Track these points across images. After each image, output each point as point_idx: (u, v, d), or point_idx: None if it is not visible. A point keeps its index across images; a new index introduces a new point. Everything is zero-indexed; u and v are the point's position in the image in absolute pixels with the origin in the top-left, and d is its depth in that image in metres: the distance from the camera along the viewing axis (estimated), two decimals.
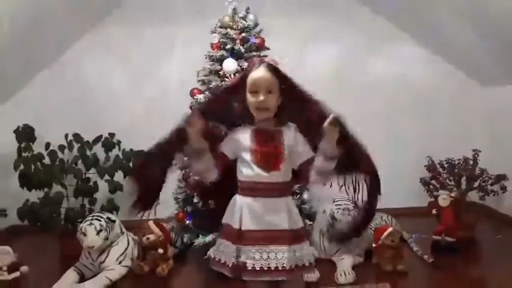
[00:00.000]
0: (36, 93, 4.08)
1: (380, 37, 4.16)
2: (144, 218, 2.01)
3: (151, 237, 3.04)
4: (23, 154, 3.47)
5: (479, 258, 3.21)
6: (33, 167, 3.39)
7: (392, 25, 4.14)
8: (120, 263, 3.01)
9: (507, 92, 3.75)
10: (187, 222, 2.92)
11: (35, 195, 3.41)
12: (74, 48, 4.12)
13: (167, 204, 3.15)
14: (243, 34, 3.02)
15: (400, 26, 4.13)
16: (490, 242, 3.38)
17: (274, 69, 1.68)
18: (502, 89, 3.83)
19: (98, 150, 3.71)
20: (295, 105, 1.73)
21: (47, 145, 3.59)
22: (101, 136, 3.74)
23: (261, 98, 1.63)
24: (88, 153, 3.65)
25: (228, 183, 1.76)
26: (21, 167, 3.37)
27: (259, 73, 1.66)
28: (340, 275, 2.75)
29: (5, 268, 2.76)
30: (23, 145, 3.50)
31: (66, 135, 3.66)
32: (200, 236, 2.85)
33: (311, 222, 3.09)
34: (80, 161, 3.62)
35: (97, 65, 4.15)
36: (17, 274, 2.77)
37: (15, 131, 3.53)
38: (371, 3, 4.10)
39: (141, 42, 4.15)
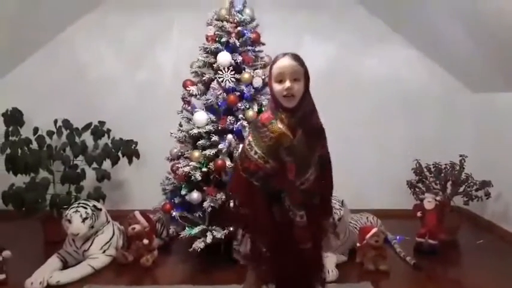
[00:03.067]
0: (26, 76, 4.03)
1: (373, 37, 4.17)
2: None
3: (137, 227, 3.04)
4: (11, 138, 3.43)
5: (459, 262, 3.26)
6: (20, 151, 3.35)
7: (386, 25, 4.15)
8: (104, 252, 3.00)
9: (497, 99, 3.80)
10: (174, 213, 2.91)
11: (20, 180, 3.38)
12: (68, 32, 4.07)
13: (154, 195, 3.16)
14: (239, 28, 3.01)
15: (394, 27, 4.14)
16: (471, 246, 3.43)
17: (299, 58, 1.72)
18: (491, 95, 3.87)
19: (87, 137, 3.68)
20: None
21: (35, 130, 3.55)
22: (90, 124, 3.72)
23: (288, 84, 1.65)
24: (77, 140, 3.63)
25: None
26: (8, 150, 3.33)
27: (284, 61, 1.69)
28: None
29: None
30: (10, 129, 3.46)
31: (56, 121, 3.63)
32: (186, 228, 2.85)
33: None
34: (68, 148, 3.59)
35: (91, 50, 4.11)
36: None
37: (3, 114, 3.50)
38: (367, 2, 4.11)
39: (137, 29, 4.12)
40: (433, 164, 3.65)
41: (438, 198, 3.38)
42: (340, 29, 4.16)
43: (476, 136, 4.07)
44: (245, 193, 1.76)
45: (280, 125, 1.67)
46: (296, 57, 1.71)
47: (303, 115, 1.70)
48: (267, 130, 1.69)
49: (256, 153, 1.68)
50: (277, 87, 1.68)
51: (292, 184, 1.64)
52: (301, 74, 1.69)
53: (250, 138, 1.77)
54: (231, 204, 1.85)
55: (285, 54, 1.72)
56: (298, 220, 1.64)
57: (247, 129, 2.81)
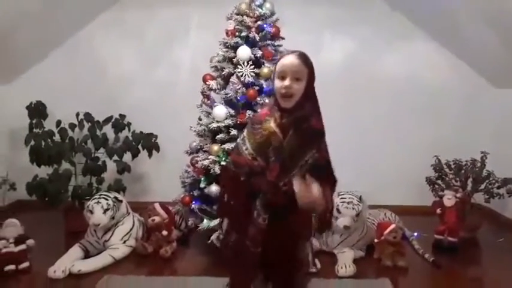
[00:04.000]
0: (49, 70, 4.12)
1: (395, 32, 4.11)
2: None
3: (157, 219, 3.09)
4: (34, 130, 3.52)
5: (479, 259, 3.22)
6: (43, 143, 3.44)
7: (408, 21, 4.08)
8: (124, 242, 3.07)
9: None
10: (193, 206, 2.95)
11: (44, 171, 3.47)
12: (89, 27, 4.14)
13: (174, 188, 3.20)
14: (259, 22, 3.01)
15: (416, 23, 4.08)
16: (492, 244, 3.38)
17: (304, 58, 1.65)
18: None
19: (108, 130, 3.75)
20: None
21: (58, 123, 3.63)
22: (111, 117, 3.78)
23: (287, 83, 1.59)
24: (98, 133, 3.69)
25: None
26: (32, 142, 3.42)
27: (288, 59, 1.63)
28: (341, 267, 2.78)
29: (12, 240, 2.80)
30: (34, 121, 3.55)
31: (78, 114, 3.70)
32: (205, 220, 2.88)
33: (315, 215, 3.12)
34: (89, 140, 3.66)
35: (111, 45, 4.17)
36: (23, 247, 2.82)
37: (27, 107, 3.58)
38: None
39: (156, 24, 4.16)
40: (453, 161, 3.60)
41: (458, 195, 3.34)
42: (361, 23, 4.11)
43: (498, 132, 3.99)
44: (231, 186, 1.76)
45: (272, 124, 1.64)
46: (302, 57, 1.64)
47: (300, 117, 1.63)
48: (261, 127, 1.66)
49: (247, 148, 1.66)
50: (277, 83, 1.62)
51: (271, 184, 1.59)
52: (304, 74, 1.61)
53: (245, 133, 1.75)
54: (224, 196, 1.85)
55: (292, 52, 1.66)
56: (260, 222, 1.62)
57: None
